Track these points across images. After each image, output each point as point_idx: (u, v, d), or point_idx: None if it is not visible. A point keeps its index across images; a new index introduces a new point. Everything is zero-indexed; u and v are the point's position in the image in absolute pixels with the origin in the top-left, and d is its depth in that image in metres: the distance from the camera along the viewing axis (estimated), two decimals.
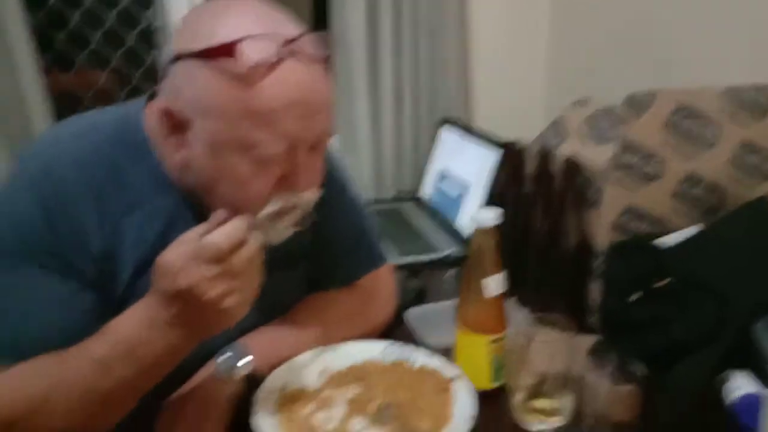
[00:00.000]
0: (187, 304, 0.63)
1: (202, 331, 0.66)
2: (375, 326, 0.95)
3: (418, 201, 1.67)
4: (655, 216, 0.96)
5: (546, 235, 1.01)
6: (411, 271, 1.26)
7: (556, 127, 1.16)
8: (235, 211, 0.72)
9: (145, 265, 0.73)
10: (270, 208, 0.73)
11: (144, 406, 0.71)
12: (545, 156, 1.02)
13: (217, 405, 0.77)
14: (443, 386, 0.80)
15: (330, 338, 0.88)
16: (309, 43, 0.69)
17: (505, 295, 0.81)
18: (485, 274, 0.78)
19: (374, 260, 0.99)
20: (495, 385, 0.83)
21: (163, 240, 0.73)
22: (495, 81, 1.86)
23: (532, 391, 0.77)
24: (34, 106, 1.45)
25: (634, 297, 0.88)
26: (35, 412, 0.66)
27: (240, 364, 0.78)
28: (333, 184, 0.96)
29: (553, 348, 0.74)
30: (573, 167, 0.97)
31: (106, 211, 0.73)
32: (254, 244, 0.66)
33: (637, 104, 0.93)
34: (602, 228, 0.95)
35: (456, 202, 1.45)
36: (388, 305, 0.99)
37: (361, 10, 1.64)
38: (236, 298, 0.64)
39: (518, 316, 0.94)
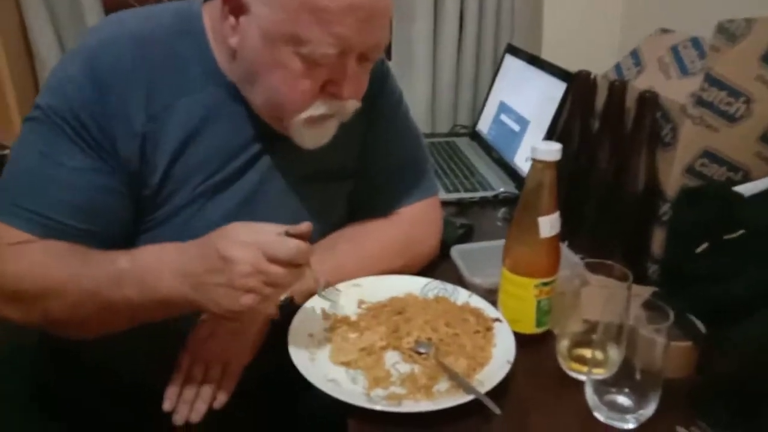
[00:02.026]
0: (217, 272, 0.64)
1: (206, 302, 0.66)
2: (416, 260, 0.92)
3: (474, 136, 1.60)
4: (735, 161, 0.87)
5: (610, 176, 0.93)
6: (460, 207, 1.21)
7: (635, 57, 1.05)
8: (276, 108, 0.75)
9: (181, 151, 0.76)
10: (311, 112, 0.74)
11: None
12: (619, 88, 0.92)
13: (252, 324, 0.77)
14: (485, 326, 0.77)
15: (369, 269, 0.86)
16: None
17: (558, 237, 0.75)
18: (540, 213, 0.73)
19: (422, 190, 0.95)
20: (539, 330, 0.78)
21: (205, 128, 0.77)
22: (567, 7, 1.71)
23: (579, 339, 0.73)
24: (89, 12, 1.44)
25: (701, 248, 0.80)
26: (49, 295, 0.69)
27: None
28: (387, 104, 0.93)
29: (606, 296, 0.68)
30: (648, 101, 0.87)
31: (156, 92, 0.74)
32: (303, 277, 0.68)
33: (731, 33, 0.82)
34: (674, 171, 0.86)
35: (515, 137, 1.37)
36: (432, 239, 0.95)
37: None
38: (256, 302, 0.64)
39: (571, 260, 0.88)
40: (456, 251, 0.95)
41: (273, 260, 0.63)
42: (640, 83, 0.96)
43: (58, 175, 0.72)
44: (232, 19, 0.72)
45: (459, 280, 0.89)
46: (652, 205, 0.90)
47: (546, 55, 1.62)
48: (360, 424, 0.64)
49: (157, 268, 0.66)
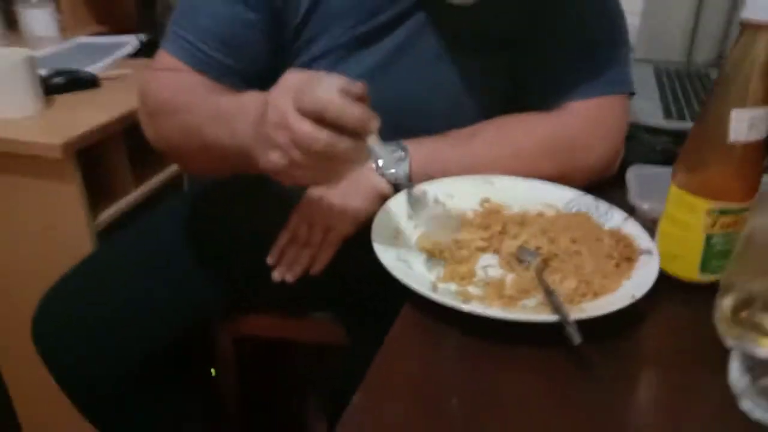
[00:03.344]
0: (262, 119, 0.54)
1: (256, 152, 0.56)
2: (575, 170, 0.73)
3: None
4: None
5: None
6: (674, 137, 0.93)
7: None
8: None
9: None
10: None
11: None
12: None
13: (357, 195, 0.70)
14: (627, 255, 0.57)
15: (508, 166, 0.71)
16: None
17: (763, 148, 0.51)
18: (737, 103, 0.49)
19: (606, 82, 0.74)
20: (702, 278, 0.56)
21: None
22: None
23: (763, 301, 0.49)
24: None
25: None
26: (167, 114, 0.70)
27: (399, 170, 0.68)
28: None
29: None
30: None
31: None
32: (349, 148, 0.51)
33: None
34: None
35: None
36: (604, 147, 0.74)
37: None
38: (282, 162, 0.53)
39: None
40: (633, 170, 0.73)
41: (304, 113, 0.50)
42: None
43: (207, 5, 0.73)
44: None
45: (627, 208, 0.68)
46: None
47: None
48: (414, 315, 0.53)
49: (245, 112, 0.59)
